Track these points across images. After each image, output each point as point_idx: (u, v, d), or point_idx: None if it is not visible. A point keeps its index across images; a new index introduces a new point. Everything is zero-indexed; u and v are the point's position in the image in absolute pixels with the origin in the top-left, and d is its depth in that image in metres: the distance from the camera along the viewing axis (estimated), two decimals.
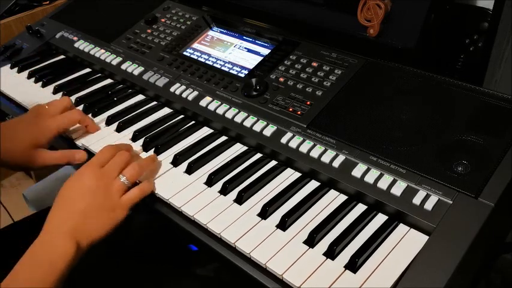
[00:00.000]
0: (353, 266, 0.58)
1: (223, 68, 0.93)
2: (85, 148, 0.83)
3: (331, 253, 0.59)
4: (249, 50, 0.95)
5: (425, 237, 0.60)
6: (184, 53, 0.99)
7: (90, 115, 0.90)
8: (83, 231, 0.64)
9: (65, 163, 0.81)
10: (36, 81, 1.03)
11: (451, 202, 0.61)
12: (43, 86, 1.02)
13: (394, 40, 0.83)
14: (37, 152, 0.78)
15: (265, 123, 0.78)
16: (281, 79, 0.85)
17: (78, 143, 0.84)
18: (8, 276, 0.58)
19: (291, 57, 0.88)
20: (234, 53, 0.96)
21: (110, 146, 0.74)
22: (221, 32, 1.02)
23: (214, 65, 0.94)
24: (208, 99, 0.86)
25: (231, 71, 0.91)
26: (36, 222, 0.90)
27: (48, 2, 1.56)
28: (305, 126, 0.76)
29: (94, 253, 0.85)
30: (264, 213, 0.66)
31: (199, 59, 0.96)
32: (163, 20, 1.09)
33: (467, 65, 0.83)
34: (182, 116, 0.88)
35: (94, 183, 0.67)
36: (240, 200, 0.68)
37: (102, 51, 1.06)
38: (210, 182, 0.72)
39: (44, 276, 0.58)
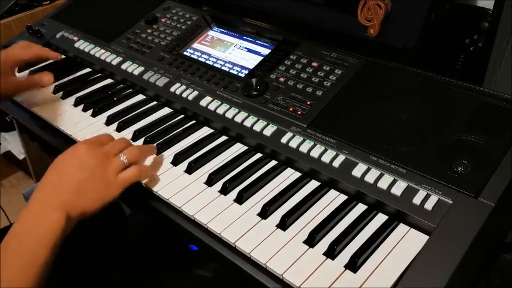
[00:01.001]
0: (353, 265, 0.57)
1: (223, 68, 0.93)
2: None
3: (331, 253, 0.59)
4: (249, 50, 0.95)
5: (425, 237, 0.60)
6: (185, 53, 0.99)
7: (90, 115, 0.91)
8: (74, 204, 0.62)
9: (32, 85, 0.90)
10: None
11: (451, 202, 0.61)
12: None
13: (394, 40, 0.83)
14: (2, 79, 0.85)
15: (266, 123, 0.78)
16: (281, 79, 0.85)
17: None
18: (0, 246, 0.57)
19: (291, 57, 0.88)
20: (234, 53, 0.96)
21: (108, 134, 0.74)
22: (221, 32, 1.02)
23: (215, 65, 0.94)
24: (208, 99, 0.86)
25: (231, 71, 0.91)
26: None
27: (48, 2, 1.56)
28: (305, 126, 0.76)
29: (94, 253, 0.85)
30: (264, 213, 0.66)
31: (200, 59, 0.97)
32: (163, 20, 1.09)
33: (467, 65, 0.83)
34: (182, 116, 0.88)
35: (91, 158, 0.66)
36: (240, 199, 0.68)
37: (102, 51, 1.06)
38: (210, 181, 0.72)
39: (35, 248, 0.57)
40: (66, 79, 1.03)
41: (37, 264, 0.57)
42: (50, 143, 0.90)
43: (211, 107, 0.84)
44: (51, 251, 0.58)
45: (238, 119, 0.80)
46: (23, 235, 0.59)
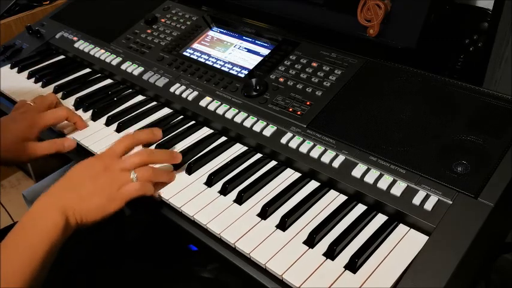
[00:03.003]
0: (353, 266, 0.57)
1: (223, 68, 0.93)
2: (85, 148, 0.83)
3: (331, 253, 0.59)
4: (249, 50, 0.95)
5: (425, 238, 0.60)
6: (184, 53, 0.99)
7: (89, 115, 0.90)
8: (75, 210, 0.64)
9: (55, 152, 0.83)
10: (36, 82, 1.03)
11: (450, 202, 0.61)
12: (43, 86, 1.02)
13: (394, 40, 0.83)
14: (27, 145, 0.80)
15: (265, 123, 0.78)
16: (281, 79, 0.85)
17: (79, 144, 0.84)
18: (1, 242, 0.59)
19: (290, 57, 0.88)
20: (233, 53, 0.96)
21: (129, 136, 0.73)
22: (221, 32, 1.02)
23: (214, 65, 0.94)
24: (208, 99, 0.86)
25: (231, 71, 0.91)
26: None
27: (48, 2, 1.56)
28: (305, 126, 0.76)
29: (93, 253, 0.85)
30: (264, 214, 0.66)
31: (199, 59, 0.96)
32: (163, 20, 1.09)
33: (467, 65, 0.83)
34: (182, 116, 0.88)
35: (102, 171, 0.67)
36: (240, 200, 0.68)
37: (102, 51, 1.06)
38: (210, 182, 0.72)
39: (34, 244, 0.59)
40: (66, 79, 1.03)
41: (35, 261, 0.58)
42: None
43: (211, 107, 0.84)
44: (50, 250, 0.60)
45: (238, 119, 0.80)
46: (23, 231, 0.61)
